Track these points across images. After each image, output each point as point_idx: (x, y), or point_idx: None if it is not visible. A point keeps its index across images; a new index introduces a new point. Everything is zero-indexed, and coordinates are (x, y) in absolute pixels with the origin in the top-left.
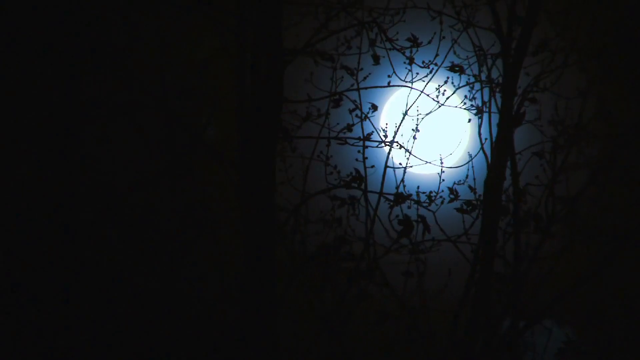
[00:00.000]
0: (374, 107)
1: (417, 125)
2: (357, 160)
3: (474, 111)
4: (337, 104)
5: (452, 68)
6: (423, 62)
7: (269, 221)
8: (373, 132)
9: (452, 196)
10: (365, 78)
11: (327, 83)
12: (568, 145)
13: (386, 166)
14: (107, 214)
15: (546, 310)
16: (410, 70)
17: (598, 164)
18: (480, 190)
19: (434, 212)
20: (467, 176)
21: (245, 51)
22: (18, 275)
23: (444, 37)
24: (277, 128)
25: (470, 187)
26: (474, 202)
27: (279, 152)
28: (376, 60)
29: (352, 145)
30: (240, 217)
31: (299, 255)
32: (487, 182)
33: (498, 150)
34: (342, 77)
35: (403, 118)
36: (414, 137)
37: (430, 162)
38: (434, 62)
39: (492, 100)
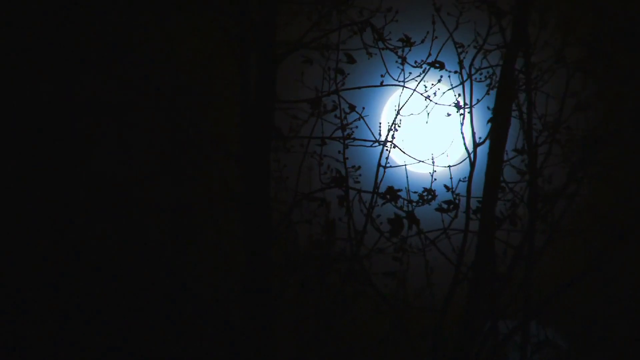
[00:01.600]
0: (352, 108)
1: (396, 124)
2: (337, 160)
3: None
4: (333, 108)
5: (432, 64)
6: (415, 61)
7: (265, 220)
8: (354, 131)
9: (429, 196)
10: (344, 78)
11: (321, 83)
12: (549, 142)
13: (379, 165)
14: (108, 211)
15: (537, 310)
16: (402, 70)
17: (578, 160)
18: (459, 189)
19: (410, 212)
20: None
21: (246, 50)
22: (18, 273)
23: (436, 37)
24: (271, 127)
25: (445, 186)
26: (452, 201)
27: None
28: (351, 59)
29: (351, 145)
30: (240, 215)
31: (292, 255)
32: (487, 181)
33: (494, 148)
34: (336, 76)
35: (396, 117)
36: (392, 137)
37: (422, 161)
38: (426, 62)
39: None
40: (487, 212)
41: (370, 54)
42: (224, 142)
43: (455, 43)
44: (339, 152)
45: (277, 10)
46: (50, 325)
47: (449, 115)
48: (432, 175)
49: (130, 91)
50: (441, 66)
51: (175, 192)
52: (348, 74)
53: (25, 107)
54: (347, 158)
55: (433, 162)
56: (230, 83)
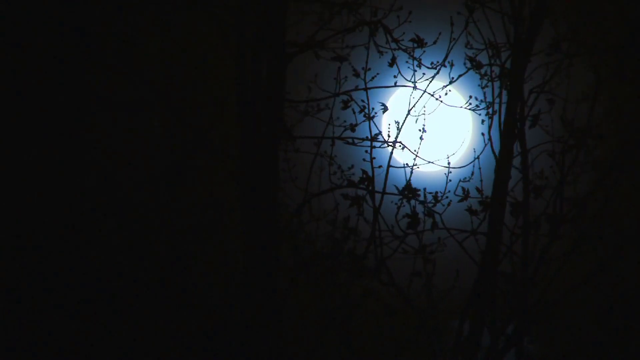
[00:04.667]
0: (385, 108)
1: (423, 126)
2: (364, 160)
3: (480, 111)
4: (345, 105)
5: (471, 60)
6: (432, 63)
7: (271, 220)
8: (380, 132)
9: (461, 195)
10: (373, 78)
11: (331, 83)
12: (577, 146)
13: (389, 166)
14: (112, 213)
15: (548, 310)
16: (415, 71)
17: (607, 165)
18: (487, 190)
19: (440, 214)
20: (472, 173)
21: (245, 49)
22: (19, 274)
23: (454, 39)
24: (279, 126)
25: (477, 188)
26: (485, 201)
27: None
28: (392, 62)
29: (357, 145)
30: (242, 215)
31: (302, 254)
32: (496, 182)
33: (504, 148)
34: (347, 77)
35: (406, 118)
36: (421, 138)
37: (433, 162)
38: (442, 64)
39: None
40: (496, 214)
41: (381, 53)
42: (226, 143)
43: (490, 44)
44: (366, 151)
45: (287, 9)
46: (53, 325)
47: (483, 122)
48: (446, 176)
49: (129, 92)
50: (479, 65)
51: (178, 192)
52: (378, 73)
53: (29, 107)
54: (374, 158)
55: (448, 163)
56: (230, 83)
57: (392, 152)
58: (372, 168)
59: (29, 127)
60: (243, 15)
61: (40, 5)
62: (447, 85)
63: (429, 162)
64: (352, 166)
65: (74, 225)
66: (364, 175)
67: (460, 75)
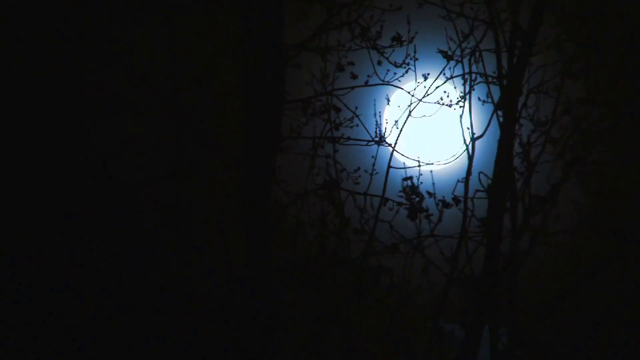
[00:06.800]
0: (336, 109)
1: (401, 127)
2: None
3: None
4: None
5: (445, 53)
6: (403, 61)
7: (268, 221)
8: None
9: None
10: (366, 82)
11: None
12: (543, 140)
13: (373, 165)
14: (113, 212)
15: (545, 313)
16: (388, 70)
17: (570, 158)
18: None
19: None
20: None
21: (249, 50)
22: (21, 274)
23: (416, 32)
24: (279, 128)
25: (455, 197)
26: (459, 198)
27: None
28: (340, 68)
29: (346, 145)
30: (243, 215)
31: (300, 254)
32: (493, 180)
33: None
34: (337, 76)
35: (381, 114)
36: (397, 138)
37: (417, 159)
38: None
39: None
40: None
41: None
42: (227, 144)
43: (460, 35)
44: (330, 155)
45: (283, 11)
46: (54, 324)
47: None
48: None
49: (132, 93)
50: (449, 57)
51: (178, 193)
52: (370, 76)
53: (29, 107)
54: (337, 163)
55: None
56: (232, 84)
57: (376, 152)
58: (336, 170)
59: (29, 127)
60: (247, 19)
61: (42, 6)
62: (425, 80)
63: (413, 159)
64: (359, 168)
65: (75, 224)
66: (328, 178)
67: (413, 57)
